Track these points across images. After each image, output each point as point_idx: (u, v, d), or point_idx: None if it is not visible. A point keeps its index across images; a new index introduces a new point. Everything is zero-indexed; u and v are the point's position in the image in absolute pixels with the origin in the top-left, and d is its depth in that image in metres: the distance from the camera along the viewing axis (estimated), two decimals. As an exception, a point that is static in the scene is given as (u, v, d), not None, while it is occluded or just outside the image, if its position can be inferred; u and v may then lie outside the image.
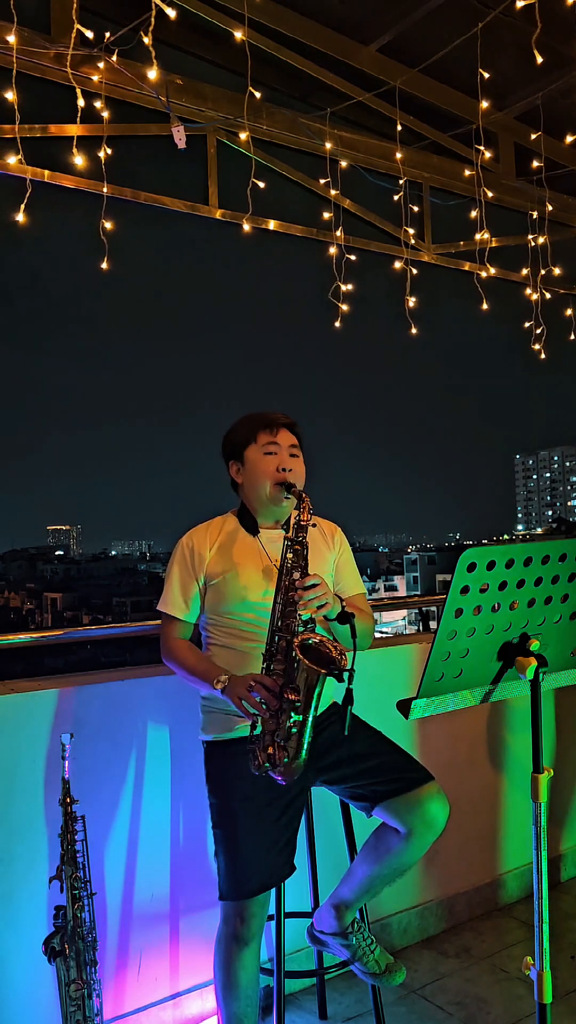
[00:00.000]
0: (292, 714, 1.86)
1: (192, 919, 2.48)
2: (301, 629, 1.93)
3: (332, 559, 2.29)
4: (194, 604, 2.18)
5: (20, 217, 3.08)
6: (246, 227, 3.78)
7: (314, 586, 1.94)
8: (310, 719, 1.87)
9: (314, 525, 2.16)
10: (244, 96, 3.42)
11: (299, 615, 1.94)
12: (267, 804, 2.02)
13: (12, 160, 3.09)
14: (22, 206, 3.07)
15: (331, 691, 2.22)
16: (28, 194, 3.06)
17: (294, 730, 1.86)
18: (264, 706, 1.88)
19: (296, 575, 1.98)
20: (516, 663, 1.72)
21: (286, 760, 1.87)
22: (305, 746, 1.88)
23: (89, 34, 3.10)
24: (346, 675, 1.81)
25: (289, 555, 2.01)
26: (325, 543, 2.28)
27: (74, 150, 3.20)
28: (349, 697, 1.83)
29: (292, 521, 2.05)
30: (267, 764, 1.89)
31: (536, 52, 3.12)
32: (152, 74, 3.10)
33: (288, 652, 1.91)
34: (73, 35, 3.04)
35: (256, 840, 2.02)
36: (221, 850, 2.07)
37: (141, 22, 2.92)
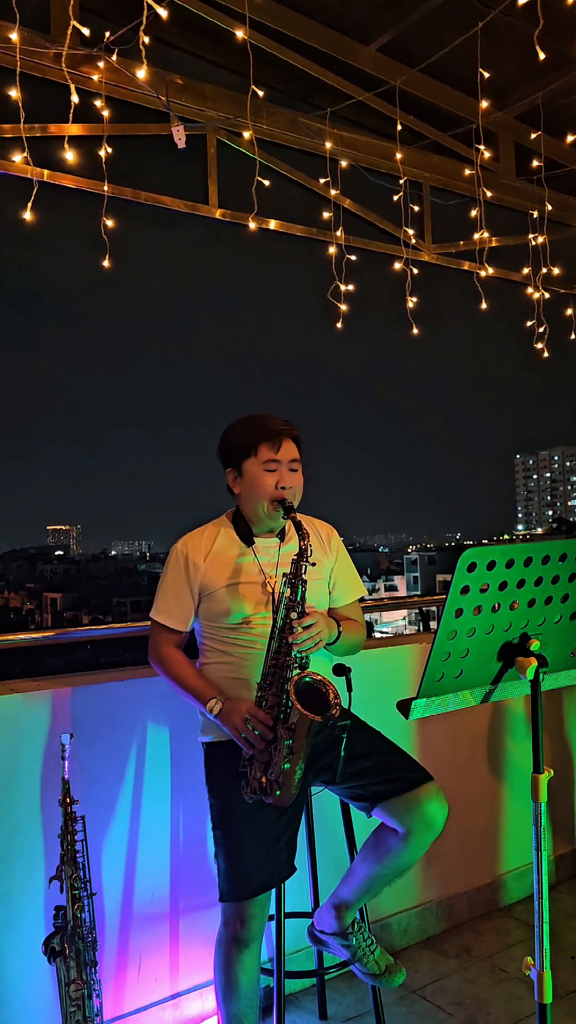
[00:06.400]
0: (286, 751, 1.88)
1: (192, 919, 2.48)
2: (295, 672, 1.93)
3: (329, 566, 2.26)
4: (188, 614, 2.16)
5: (27, 215, 3.04)
6: (252, 225, 3.75)
7: (311, 625, 1.95)
8: (302, 760, 1.89)
9: (313, 564, 2.07)
10: (243, 95, 3.41)
11: (293, 656, 1.94)
12: (266, 804, 2.02)
13: (17, 159, 3.08)
14: (29, 204, 3.03)
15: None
16: (35, 192, 3.04)
17: (286, 765, 1.88)
18: (259, 736, 1.92)
19: (293, 615, 1.96)
20: (516, 663, 1.73)
21: (278, 793, 1.90)
22: (296, 782, 1.90)
23: (88, 33, 3.09)
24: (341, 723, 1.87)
25: (287, 591, 1.98)
26: (323, 550, 2.25)
27: (75, 150, 3.19)
28: (344, 731, 1.92)
29: (290, 557, 2.03)
30: (257, 793, 1.93)
31: (538, 48, 3.12)
32: (141, 73, 3.11)
33: (281, 692, 1.92)
34: (70, 32, 3.04)
35: (256, 840, 2.02)
36: (221, 851, 2.07)
37: (141, 22, 2.92)
